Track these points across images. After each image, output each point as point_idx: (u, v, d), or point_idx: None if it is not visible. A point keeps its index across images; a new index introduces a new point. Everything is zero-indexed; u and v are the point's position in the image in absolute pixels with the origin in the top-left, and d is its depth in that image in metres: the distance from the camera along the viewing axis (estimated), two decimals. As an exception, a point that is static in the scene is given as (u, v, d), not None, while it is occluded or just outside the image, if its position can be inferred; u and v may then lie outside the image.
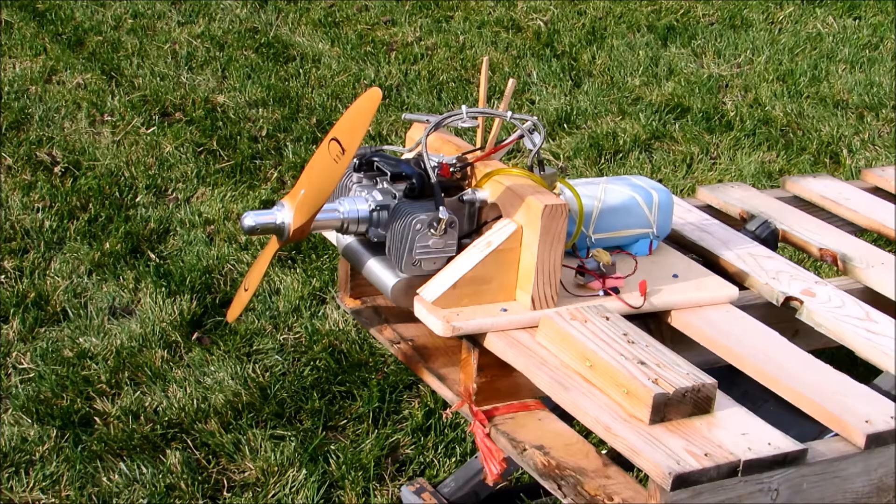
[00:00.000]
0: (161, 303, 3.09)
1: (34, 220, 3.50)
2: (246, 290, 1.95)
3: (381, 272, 1.88)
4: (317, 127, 4.34)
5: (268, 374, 2.85)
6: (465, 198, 1.85)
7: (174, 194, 3.77)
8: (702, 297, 1.96)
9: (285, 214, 1.81)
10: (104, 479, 2.48)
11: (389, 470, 2.57)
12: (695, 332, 1.90)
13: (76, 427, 2.63)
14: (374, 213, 1.86)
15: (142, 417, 2.67)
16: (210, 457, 2.58)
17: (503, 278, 1.82)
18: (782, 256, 2.20)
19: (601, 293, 1.90)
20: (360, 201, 1.88)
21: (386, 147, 2.02)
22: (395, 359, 2.76)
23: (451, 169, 1.91)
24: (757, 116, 4.59)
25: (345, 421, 2.73)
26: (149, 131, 4.22)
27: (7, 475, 2.48)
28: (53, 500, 2.44)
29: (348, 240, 1.96)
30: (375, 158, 1.93)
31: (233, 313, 1.98)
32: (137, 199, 3.71)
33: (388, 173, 1.89)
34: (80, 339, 2.95)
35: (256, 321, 3.07)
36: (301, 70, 4.91)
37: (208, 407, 2.71)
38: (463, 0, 5.87)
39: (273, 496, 2.47)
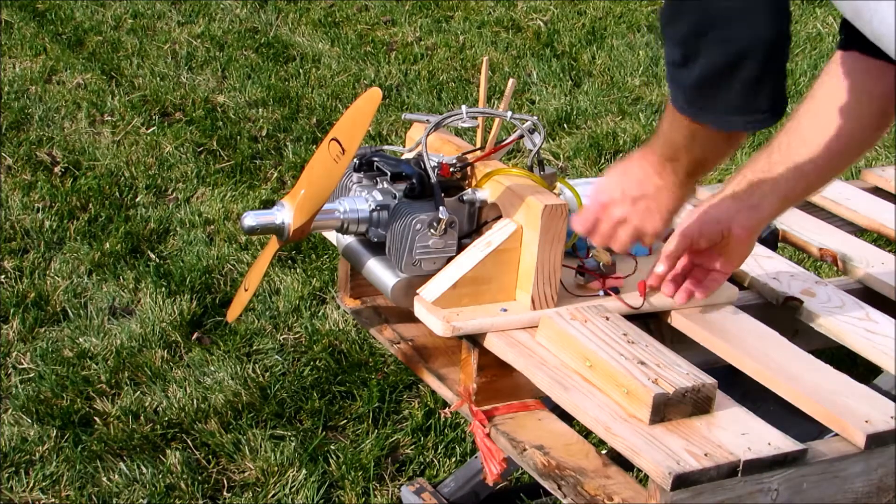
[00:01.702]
0: (161, 303, 3.09)
1: (34, 220, 3.50)
2: (246, 290, 1.95)
3: (380, 272, 1.88)
4: (317, 127, 4.34)
5: (268, 374, 2.85)
6: (465, 198, 1.85)
7: (174, 194, 3.77)
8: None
9: (285, 214, 1.81)
10: (104, 479, 2.49)
11: (389, 470, 2.58)
12: (694, 332, 1.90)
13: (76, 427, 2.63)
14: (374, 213, 1.86)
15: (142, 417, 2.67)
16: (210, 457, 2.58)
17: (503, 278, 1.83)
18: (782, 256, 2.20)
19: (601, 293, 1.90)
20: (360, 201, 1.88)
21: (386, 147, 2.02)
22: (395, 359, 2.76)
23: (451, 169, 1.91)
24: (757, 116, 4.59)
25: (345, 421, 2.73)
26: (149, 131, 4.23)
27: (7, 475, 2.48)
28: (53, 500, 2.44)
29: (348, 240, 1.96)
30: (375, 158, 1.93)
31: (233, 313, 1.98)
32: (137, 199, 3.71)
33: (388, 173, 1.89)
34: (80, 339, 2.95)
35: (256, 321, 3.07)
36: (301, 70, 4.91)
37: (208, 407, 2.71)
38: (463, 0, 5.87)
39: (273, 496, 2.47)
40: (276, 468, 2.53)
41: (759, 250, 2.19)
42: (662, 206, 1.69)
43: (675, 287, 1.84)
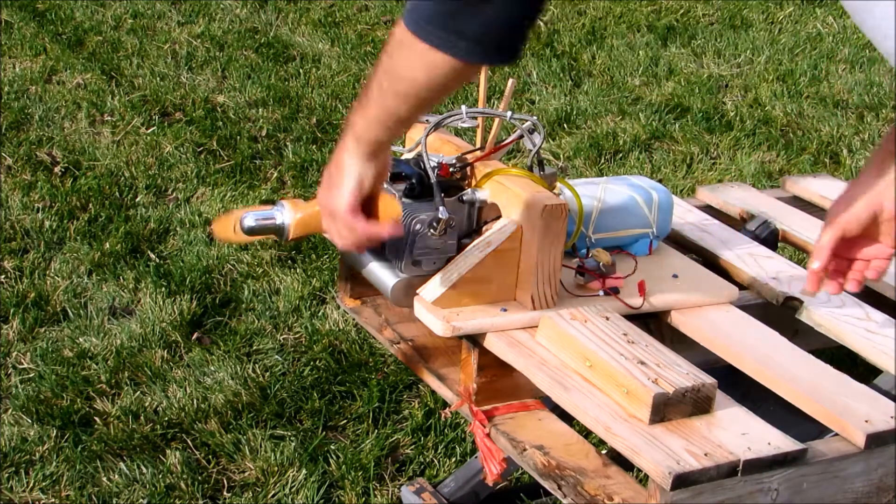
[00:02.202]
0: (161, 303, 3.09)
1: (34, 220, 3.50)
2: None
3: (380, 272, 1.88)
4: (317, 127, 4.34)
5: (268, 374, 2.85)
6: (464, 198, 1.85)
7: (174, 194, 3.77)
8: (701, 297, 1.96)
9: (285, 215, 1.81)
10: (104, 479, 2.49)
11: (389, 470, 2.57)
12: (694, 332, 1.90)
13: (76, 427, 2.63)
14: (374, 213, 1.86)
15: (142, 417, 2.67)
16: (210, 457, 2.58)
17: (503, 278, 1.82)
18: (782, 256, 2.20)
19: (601, 293, 1.90)
20: (360, 201, 1.87)
21: (386, 147, 2.02)
22: (395, 359, 2.76)
23: (451, 169, 1.91)
24: (757, 116, 4.59)
25: (345, 421, 2.73)
26: (149, 131, 4.23)
27: (7, 475, 2.48)
28: (53, 500, 2.44)
29: (348, 240, 1.96)
30: (375, 158, 1.93)
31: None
32: (137, 199, 3.71)
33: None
34: (80, 339, 2.95)
35: (256, 321, 3.07)
36: (301, 70, 4.91)
37: (208, 407, 2.71)
38: (463, 0, 5.86)
39: (273, 496, 2.47)
40: (276, 468, 2.53)
41: (760, 250, 2.20)
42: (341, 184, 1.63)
43: (838, 284, 1.73)
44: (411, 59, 1.46)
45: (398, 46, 1.48)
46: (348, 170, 1.62)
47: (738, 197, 2.46)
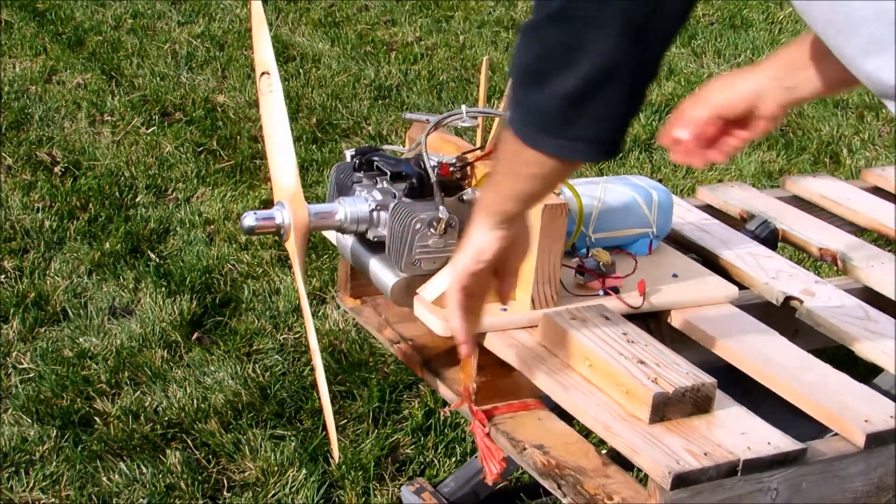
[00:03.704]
0: (161, 303, 3.09)
1: (34, 220, 3.50)
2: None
3: (380, 272, 1.88)
4: (317, 127, 4.34)
5: (268, 374, 2.85)
6: (465, 197, 1.85)
7: (174, 194, 3.77)
8: (701, 297, 1.96)
9: (285, 214, 1.81)
10: (104, 479, 2.49)
11: (389, 470, 2.57)
12: (694, 331, 1.90)
13: (76, 427, 2.63)
14: (374, 213, 1.86)
15: (142, 417, 2.67)
16: (210, 457, 2.58)
17: (503, 278, 1.82)
18: (782, 256, 2.20)
19: (601, 293, 1.90)
20: (360, 201, 1.88)
21: (386, 147, 2.02)
22: (395, 359, 2.76)
23: (451, 168, 1.91)
24: (757, 116, 4.59)
25: (345, 421, 2.73)
26: (149, 131, 4.23)
27: (7, 475, 2.48)
28: (53, 500, 2.44)
29: (349, 240, 1.96)
30: (375, 158, 1.93)
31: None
32: (137, 199, 3.71)
33: (388, 173, 1.89)
34: (80, 339, 2.95)
35: (256, 321, 3.07)
36: (301, 70, 4.91)
37: (208, 407, 2.71)
38: (463, 0, 5.88)
39: (273, 496, 2.47)
40: (276, 468, 2.53)
41: (760, 250, 2.20)
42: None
43: (702, 157, 1.74)
44: (526, 162, 1.47)
45: (514, 156, 1.48)
46: (471, 238, 1.63)
47: (738, 197, 2.46)
